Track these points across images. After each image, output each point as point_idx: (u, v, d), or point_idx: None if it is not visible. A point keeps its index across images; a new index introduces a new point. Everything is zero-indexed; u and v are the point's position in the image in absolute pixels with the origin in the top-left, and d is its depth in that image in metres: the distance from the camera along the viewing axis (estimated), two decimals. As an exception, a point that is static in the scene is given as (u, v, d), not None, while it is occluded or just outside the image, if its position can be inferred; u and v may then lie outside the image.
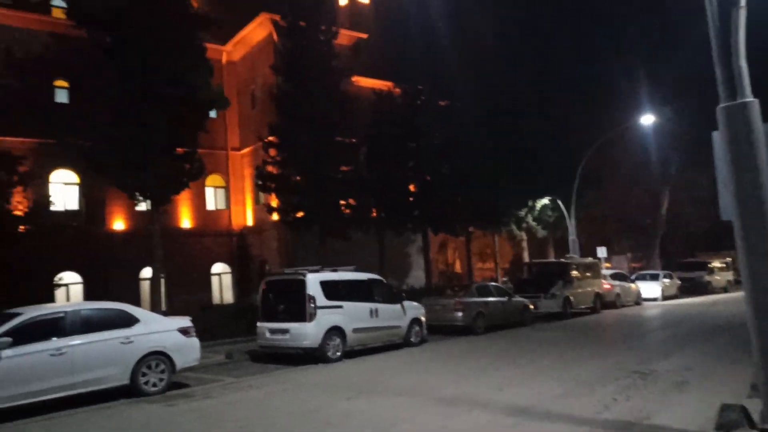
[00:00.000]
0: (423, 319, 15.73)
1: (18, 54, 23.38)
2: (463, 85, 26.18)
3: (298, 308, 12.81)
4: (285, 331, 12.88)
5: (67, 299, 24.38)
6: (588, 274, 23.64)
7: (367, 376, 11.22)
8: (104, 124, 15.70)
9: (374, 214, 24.06)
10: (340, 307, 13.30)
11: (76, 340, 8.89)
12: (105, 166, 15.93)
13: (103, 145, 15.60)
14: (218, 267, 29.15)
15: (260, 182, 21.16)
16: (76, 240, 23.72)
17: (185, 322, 10.56)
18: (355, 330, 13.53)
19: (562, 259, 24.31)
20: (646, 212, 38.69)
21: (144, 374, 9.61)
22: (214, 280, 29.17)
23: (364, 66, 29.51)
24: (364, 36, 30.35)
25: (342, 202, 22.44)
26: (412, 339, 15.23)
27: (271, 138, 21.02)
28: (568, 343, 15.01)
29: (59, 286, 23.87)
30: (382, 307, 14.39)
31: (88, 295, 24.38)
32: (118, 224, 26.07)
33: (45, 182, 24.29)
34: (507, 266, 37.46)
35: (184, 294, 25.71)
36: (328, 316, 12.98)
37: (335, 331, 13.04)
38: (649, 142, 33.86)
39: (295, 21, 21.38)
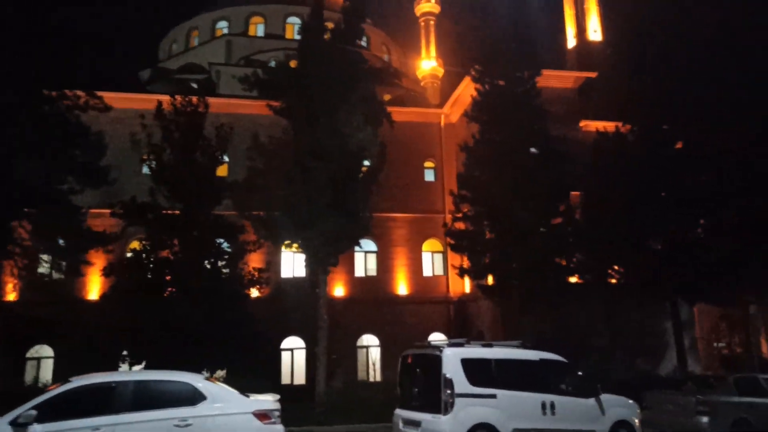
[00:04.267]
0: (637, 423, 10.77)
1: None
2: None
3: (432, 395, 9.62)
4: (417, 424, 9.74)
5: (291, 366, 24.82)
6: None
7: None
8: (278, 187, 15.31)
9: (589, 278, 19.04)
10: (492, 396, 9.65)
11: (121, 418, 7.44)
12: (277, 230, 15.41)
13: (276, 208, 15.13)
14: (435, 336, 26.87)
15: (452, 242, 18.54)
16: (300, 304, 24.22)
17: (268, 403, 8.41)
18: (517, 431, 9.62)
19: None
20: None
21: (207, 468, 7.66)
22: (433, 350, 26.91)
23: (597, 108, 25.29)
24: (593, 75, 26.19)
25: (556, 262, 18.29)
26: (618, 452, 10.43)
27: (463, 192, 18.45)
28: None
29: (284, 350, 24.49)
30: (562, 400, 10.16)
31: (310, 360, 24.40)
32: (339, 290, 26.05)
33: (277, 250, 25.67)
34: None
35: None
36: (472, 408, 9.46)
37: (483, 430, 9.39)
38: None
39: (491, 71, 18.99)
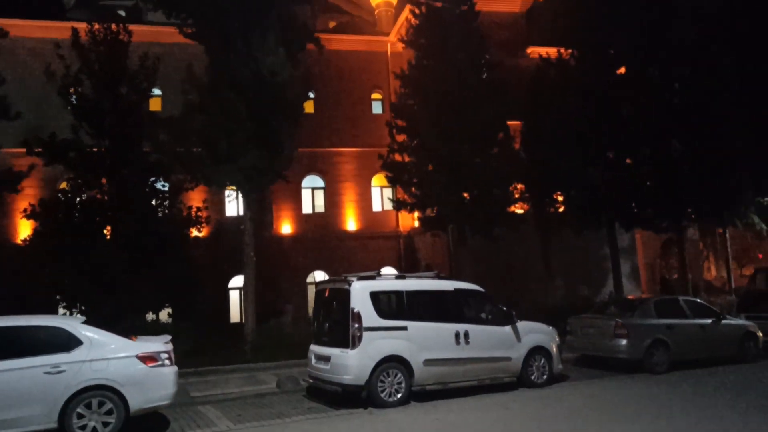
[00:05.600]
0: (554, 348, 10.65)
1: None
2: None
3: (342, 329, 9.22)
4: (327, 359, 9.39)
5: (240, 306, 24.45)
6: None
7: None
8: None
9: (523, 207, 18.78)
10: (402, 329, 9.30)
11: (-22, 368, 6.80)
12: (196, 165, 14.45)
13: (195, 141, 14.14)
14: (385, 271, 26.63)
15: (389, 174, 17.87)
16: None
17: (155, 345, 7.87)
18: (429, 362, 9.35)
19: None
20: None
21: (80, 416, 7.15)
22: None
23: (544, 33, 24.22)
24: (540, -1, 25.05)
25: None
26: (534, 377, 10.33)
27: (399, 122, 17.62)
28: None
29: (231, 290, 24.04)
30: (477, 329, 9.89)
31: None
32: (286, 228, 25.42)
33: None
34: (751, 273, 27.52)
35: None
36: (381, 341, 9.10)
37: (393, 362, 9.09)
38: None
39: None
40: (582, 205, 19.09)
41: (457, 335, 9.65)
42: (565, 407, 8.96)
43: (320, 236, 25.20)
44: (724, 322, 12.45)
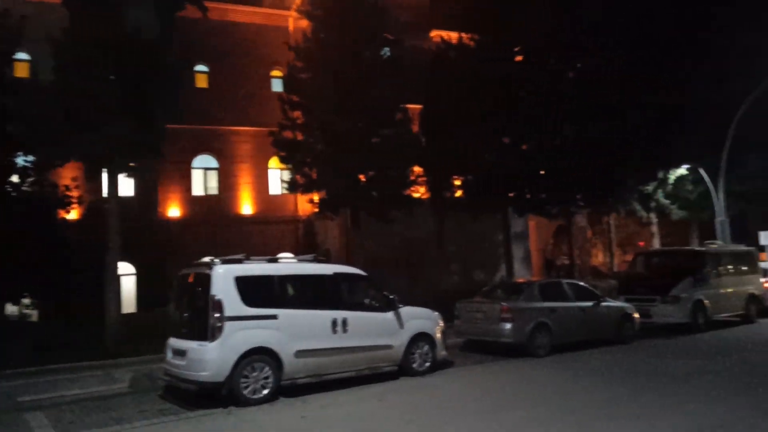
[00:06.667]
0: (438, 334, 10.15)
1: None
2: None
3: (201, 320, 8.13)
4: (183, 354, 8.26)
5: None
6: (738, 267, 15.85)
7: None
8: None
9: (422, 193, 18.43)
10: (272, 317, 8.34)
11: None
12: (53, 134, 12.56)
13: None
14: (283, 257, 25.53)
15: (282, 154, 16.73)
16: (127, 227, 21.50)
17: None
18: (302, 353, 8.48)
19: (697, 247, 16.69)
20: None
21: None
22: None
23: (448, 17, 23.77)
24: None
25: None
26: (416, 365, 9.76)
27: (292, 97, 16.49)
28: (681, 384, 8.49)
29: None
30: (356, 316, 9.14)
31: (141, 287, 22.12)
32: (174, 211, 23.51)
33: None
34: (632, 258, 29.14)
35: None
36: (246, 332, 8.10)
37: (260, 355, 8.13)
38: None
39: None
40: (478, 190, 18.99)
41: (334, 323, 8.84)
42: (444, 395, 8.46)
43: (213, 220, 23.51)
44: (603, 304, 12.59)
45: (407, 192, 17.33)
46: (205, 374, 7.84)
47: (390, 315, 9.58)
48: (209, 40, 23.43)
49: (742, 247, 17.14)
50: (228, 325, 7.93)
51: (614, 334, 12.62)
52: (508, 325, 11.17)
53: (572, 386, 8.78)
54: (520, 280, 14.00)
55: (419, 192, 18.71)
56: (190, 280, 8.94)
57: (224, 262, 8.37)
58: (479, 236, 23.59)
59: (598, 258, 32.92)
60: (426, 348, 9.88)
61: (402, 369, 9.66)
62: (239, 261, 8.57)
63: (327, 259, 10.00)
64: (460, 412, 7.42)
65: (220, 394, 7.95)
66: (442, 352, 10.22)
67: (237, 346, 7.94)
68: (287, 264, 9.09)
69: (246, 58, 24.53)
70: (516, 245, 24.10)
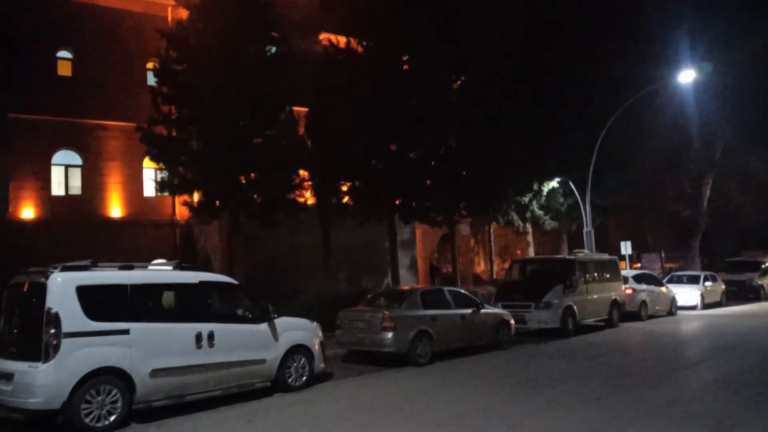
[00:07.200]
0: (317, 346, 9.56)
1: None
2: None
3: (32, 336, 6.89)
4: (9, 377, 6.94)
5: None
6: (602, 275, 16.91)
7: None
8: None
9: (308, 198, 17.89)
10: (122, 332, 7.28)
11: None
12: None
13: None
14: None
15: (153, 151, 15.29)
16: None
17: None
18: (159, 372, 7.48)
19: (566, 256, 17.63)
20: (686, 201, 30.98)
21: None
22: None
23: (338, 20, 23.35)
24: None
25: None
26: (291, 380, 9.10)
27: (164, 89, 15.15)
28: (557, 387, 8.59)
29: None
30: (225, 329, 8.29)
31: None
32: (28, 212, 20.79)
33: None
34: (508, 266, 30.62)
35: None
36: (90, 349, 6.98)
37: (106, 375, 7.04)
38: (689, 112, 26.48)
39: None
40: (365, 197, 18.74)
41: (198, 337, 7.93)
42: (320, 412, 7.87)
43: (76, 223, 21.05)
44: (483, 311, 12.73)
45: (292, 196, 16.59)
46: (36, 401, 6.63)
47: (264, 326, 8.84)
48: (74, 23, 21.16)
49: (606, 256, 18.38)
50: (66, 343, 6.78)
51: (492, 340, 12.81)
52: (390, 334, 10.86)
53: (452, 395, 8.59)
54: (403, 288, 13.76)
55: (305, 197, 18.07)
56: (24, 290, 7.60)
57: (65, 269, 7.17)
58: (367, 243, 23.34)
59: (480, 266, 34.20)
60: (303, 361, 9.26)
61: (276, 384, 8.95)
62: (84, 268, 7.40)
63: (195, 267, 8.99)
64: (335, 428, 6.89)
65: (56, 424, 6.76)
66: (320, 365, 9.64)
67: (77, 367, 6.81)
68: (144, 272, 8.01)
69: (118, 47, 22.40)
70: (403, 253, 24.20)
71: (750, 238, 34.80)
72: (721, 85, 25.04)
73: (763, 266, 27.20)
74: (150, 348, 7.44)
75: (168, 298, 8.12)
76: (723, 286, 24.18)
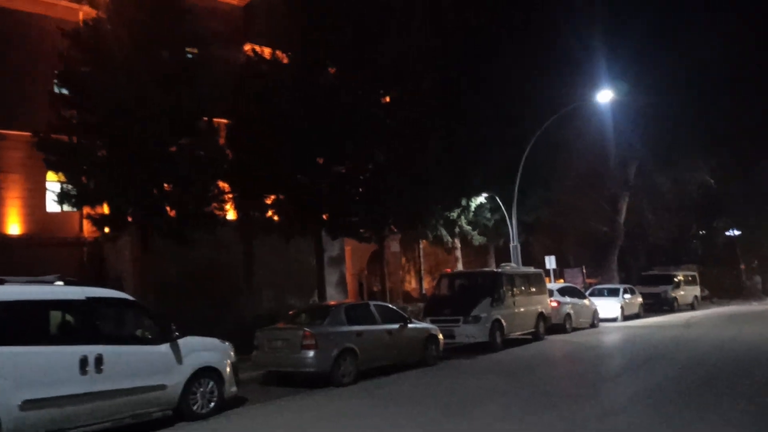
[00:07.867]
0: (228, 369, 8.63)
1: None
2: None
3: None
4: None
5: None
6: (529, 288, 16.90)
7: None
8: None
9: (229, 211, 16.87)
10: (-16, 358, 6.14)
11: None
12: None
13: None
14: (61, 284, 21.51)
15: (51, 158, 13.81)
16: None
17: None
18: (32, 403, 6.34)
19: (493, 269, 17.53)
20: (604, 219, 32.25)
21: None
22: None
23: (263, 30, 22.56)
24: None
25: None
26: (197, 407, 8.10)
27: (66, 92, 13.81)
28: (485, 405, 8.09)
29: None
30: (116, 351, 7.23)
31: None
32: None
33: None
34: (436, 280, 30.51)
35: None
36: (-61, 380, 5.80)
37: (-41, 412, 5.86)
38: (606, 132, 27.64)
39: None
40: (290, 211, 17.90)
41: (83, 362, 6.85)
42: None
43: (-34, 241, 18.90)
44: (410, 326, 12.20)
45: (210, 209, 15.50)
46: None
47: (164, 348, 7.83)
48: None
49: (532, 269, 18.45)
50: None
51: (420, 356, 12.28)
52: (311, 353, 10.08)
53: (380, 417, 7.92)
54: (327, 303, 13.02)
55: (226, 210, 16.98)
56: None
57: None
58: (293, 260, 22.39)
59: (411, 284, 33.90)
60: (211, 385, 8.29)
61: (179, 412, 7.93)
62: (-61, 283, 6.22)
63: (76, 281, 7.87)
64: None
65: None
66: (232, 389, 8.70)
67: None
68: (15, 287, 6.84)
69: (24, 53, 20.60)
70: (331, 270, 23.43)
71: (659, 253, 36.75)
72: (634, 108, 26.30)
73: (675, 279, 28.55)
74: (20, 376, 6.31)
75: (50, 317, 6.99)
76: (640, 299, 25.07)
